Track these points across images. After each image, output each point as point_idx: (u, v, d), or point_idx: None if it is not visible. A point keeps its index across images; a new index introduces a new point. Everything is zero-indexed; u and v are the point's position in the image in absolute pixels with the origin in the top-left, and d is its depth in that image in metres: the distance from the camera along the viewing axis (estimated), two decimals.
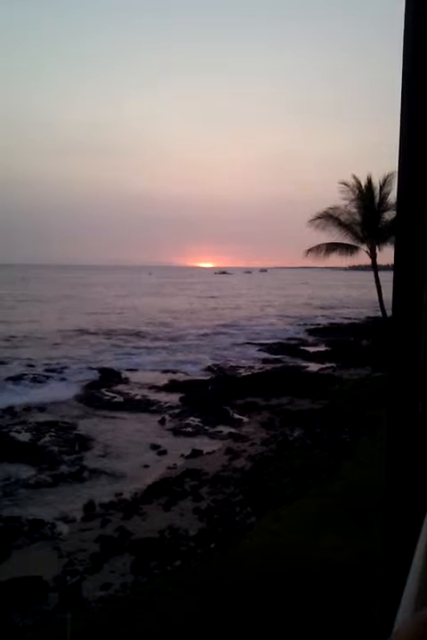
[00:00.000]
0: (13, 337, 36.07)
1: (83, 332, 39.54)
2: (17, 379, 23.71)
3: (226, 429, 16.73)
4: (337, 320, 49.99)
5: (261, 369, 26.48)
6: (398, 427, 1.68)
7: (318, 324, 46.45)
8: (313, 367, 27.33)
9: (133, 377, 24.79)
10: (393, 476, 1.67)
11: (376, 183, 25.33)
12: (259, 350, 32.81)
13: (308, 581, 6.19)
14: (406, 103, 1.56)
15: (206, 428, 16.92)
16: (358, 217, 25.56)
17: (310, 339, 38.14)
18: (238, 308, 63.06)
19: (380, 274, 24.90)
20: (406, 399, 1.65)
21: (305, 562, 6.67)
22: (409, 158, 1.58)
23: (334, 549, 6.88)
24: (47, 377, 24.41)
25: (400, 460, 1.66)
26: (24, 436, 15.78)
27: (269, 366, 27.29)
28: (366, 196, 25.25)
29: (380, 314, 26.17)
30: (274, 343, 35.33)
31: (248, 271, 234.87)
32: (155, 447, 14.96)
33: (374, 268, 25.51)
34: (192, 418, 17.94)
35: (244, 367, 27.36)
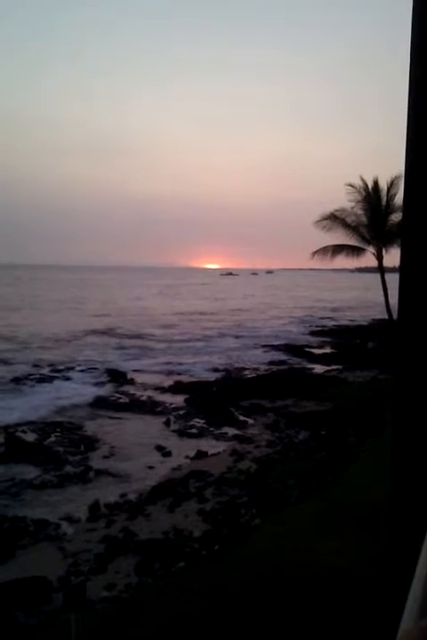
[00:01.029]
0: (18, 337, 36.22)
1: (88, 332, 39.63)
2: (22, 379, 23.81)
3: (231, 431, 16.70)
4: (343, 322, 49.85)
5: (266, 370, 26.44)
6: (403, 430, 1.66)
7: (324, 326, 46.34)
8: (319, 369, 27.27)
9: (139, 378, 24.81)
10: (398, 481, 1.65)
11: (383, 185, 25.25)
12: (264, 352, 32.77)
13: (311, 585, 6.16)
14: (412, 104, 1.54)
15: (211, 429, 16.91)
16: (364, 219, 25.49)
17: (316, 340, 38.06)
18: (244, 309, 63.02)
19: (386, 276, 24.81)
20: (412, 402, 1.64)
21: (308, 566, 6.64)
22: (416, 160, 1.56)
23: (337, 554, 6.84)
24: (53, 377, 24.50)
25: (406, 464, 1.64)
26: (30, 437, 15.82)
27: (274, 368, 27.25)
28: (372, 197, 25.17)
29: (386, 316, 26.06)
30: (280, 345, 35.28)
31: (254, 273, 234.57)
32: (160, 448, 14.96)
33: (381, 270, 25.42)
34: (197, 419, 17.93)
35: (249, 369, 27.34)
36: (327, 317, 54.91)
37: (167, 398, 21.00)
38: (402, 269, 1.61)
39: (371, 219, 25.22)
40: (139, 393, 21.89)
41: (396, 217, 24.82)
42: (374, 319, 48.54)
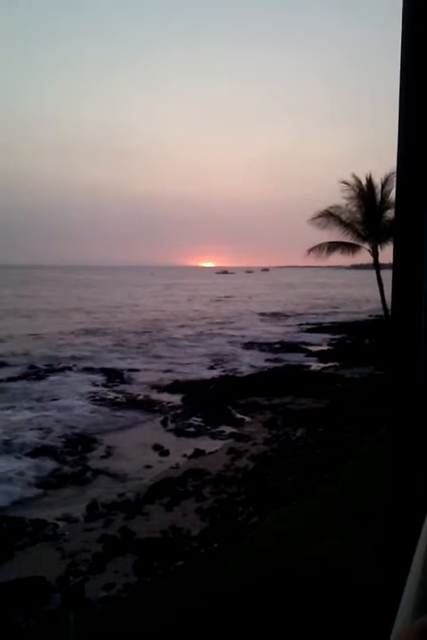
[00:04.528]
0: (15, 337, 36.09)
1: (86, 332, 39.57)
2: (20, 379, 23.74)
3: (228, 429, 16.72)
4: (340, 319, 49.93)
5: (263, 368, 26.46)
6: (397, 426, 1.67)
7: (321, 323, 46.40)
8: (316, 366, 27.31)
9: (136, 377, 24.79)
10: (393, 477, 1.66)
11: (377, 182, 25.27)
12: (261, 350, 32.78)
13: (309, 581, 6.18)
14: (404, 101, 1.55)
15: (208, 427, 16.92)
16: (359, 216, 25.50)
17: (313, 337, 38.09)
18: (240, 307, 63.03)
19: (382, 272, 24.83)
20: (405, 398, 1.65)
21: (307, 562, 6.66)
22: (408, 157, 1.57)
23: (335, 549, 6.87)
24: (50, 377, 24.43)
25: (400, 460, 1.65)
26: (27, 437, 15.78)
27: (271, 365, 27.28)
28: (367, 194, 25.19)
29: (382, 313, 26.11)
30: (276, 342, 35.30)
31: (250, 271, 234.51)
32: (157, 447, 14.96)
33: (376, 266, 25.44)
34: (194, 418, 17.93)
35: (246, 367, 27.33)
36: (324, 314, 55.00)
37: (164, 397, 21.00)
38: (395, 266, 1.62)
39: (366, 215, 25.23)
40: (136, 392, 21.88)
41: (391, 213, 24.82)
42: (370, 315, 48.69)
